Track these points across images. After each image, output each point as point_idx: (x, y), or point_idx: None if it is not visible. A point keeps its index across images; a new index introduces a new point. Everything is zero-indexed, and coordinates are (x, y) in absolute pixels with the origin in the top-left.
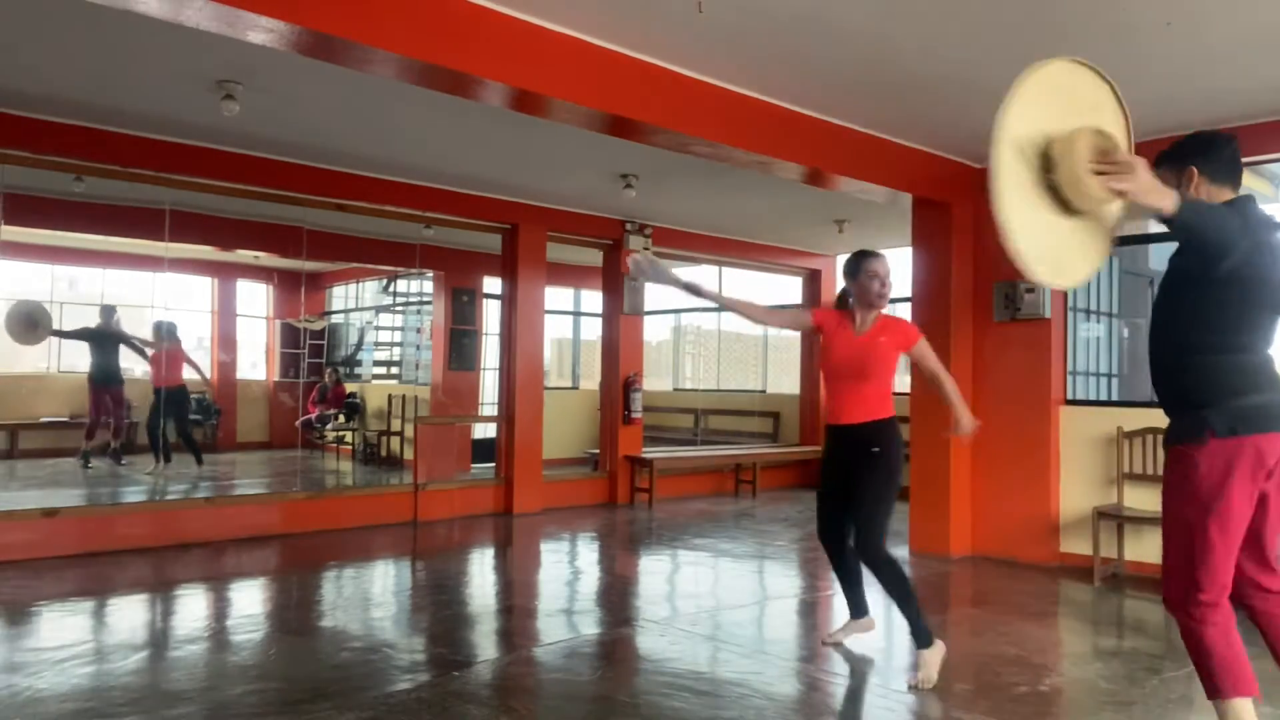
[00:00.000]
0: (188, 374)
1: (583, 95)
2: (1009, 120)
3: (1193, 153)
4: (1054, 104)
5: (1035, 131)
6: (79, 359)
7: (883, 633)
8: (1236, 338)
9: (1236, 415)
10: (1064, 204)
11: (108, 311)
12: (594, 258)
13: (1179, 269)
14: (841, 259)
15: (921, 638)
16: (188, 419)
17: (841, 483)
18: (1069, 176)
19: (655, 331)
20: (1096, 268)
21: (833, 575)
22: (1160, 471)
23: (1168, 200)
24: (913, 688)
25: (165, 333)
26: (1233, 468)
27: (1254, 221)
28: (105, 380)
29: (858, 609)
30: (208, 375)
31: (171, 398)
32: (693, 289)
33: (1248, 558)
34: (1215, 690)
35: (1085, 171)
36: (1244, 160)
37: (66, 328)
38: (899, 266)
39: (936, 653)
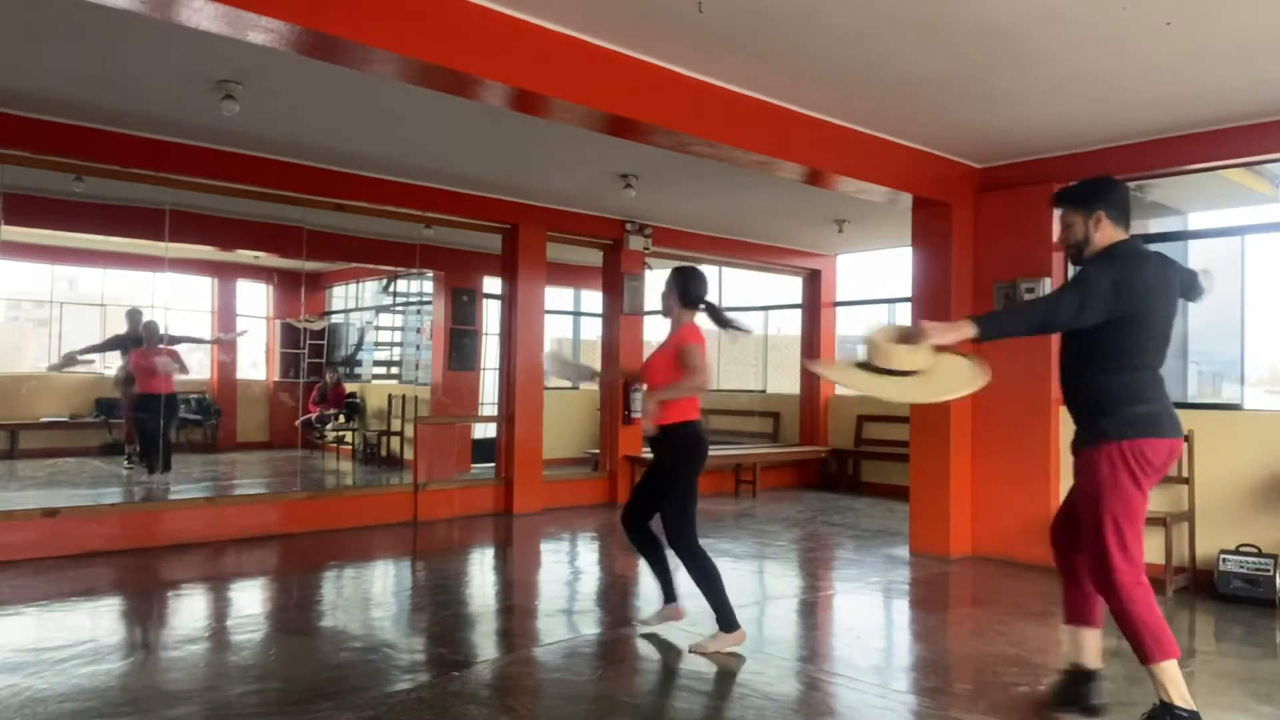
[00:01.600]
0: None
1: (583, 95)
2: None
3: (1099, 198)
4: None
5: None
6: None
7: (883, 633)
8: (1127, 359)
9: (1126, 422)
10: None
11: (134, 316)
12: (594, 258)
13: None
14: (842, 259)
15: (725, 623)
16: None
17: (645, 480)
18: (892, 361)
19: (655, 331)
20: (975, 383)
21: (832, 575)
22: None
23: (968, 329)
24: (691, 649)
25: (152, 333)
26: (1126, 465)
27: (1139, 262)
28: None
29: (670, 595)
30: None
31: (169, 402)
32: (610, 377)
33: (1068, 529)
34: (1147, 656)
35: (895, 352)
36: (1243, 160)
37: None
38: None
39: (731, 639)
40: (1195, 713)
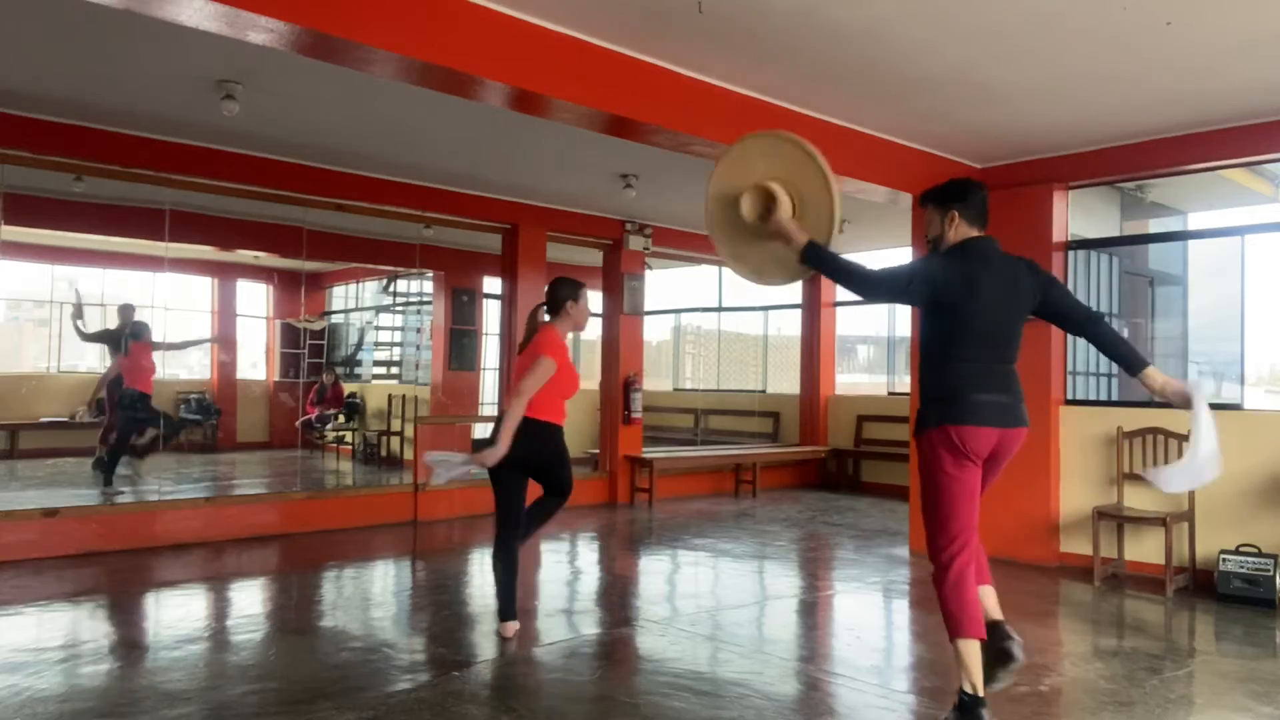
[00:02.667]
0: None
1: (583, 95)
2: (711, 182)
3: (954, 198)
4: (747, 167)
5: (729, 187)
6: (79, 359)
7: (883, 633)
8: (952, 350)
9: (945, 410)
10: (753, 233)
11: (127, 311)
12: (594, 258)
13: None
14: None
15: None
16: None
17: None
18: (749, 214)
19: (655, 331)
20: (791, 280)
21: (832, 575)
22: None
23: (801, 237)
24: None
25: (136, 330)
26: (947, 450)
27: (974, 258)
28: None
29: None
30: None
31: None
32: (483, 463)
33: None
34: (955, 631)
35: (752, 212)
36: (1243, 160)
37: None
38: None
39: (512, 627)
40: (978, 698)
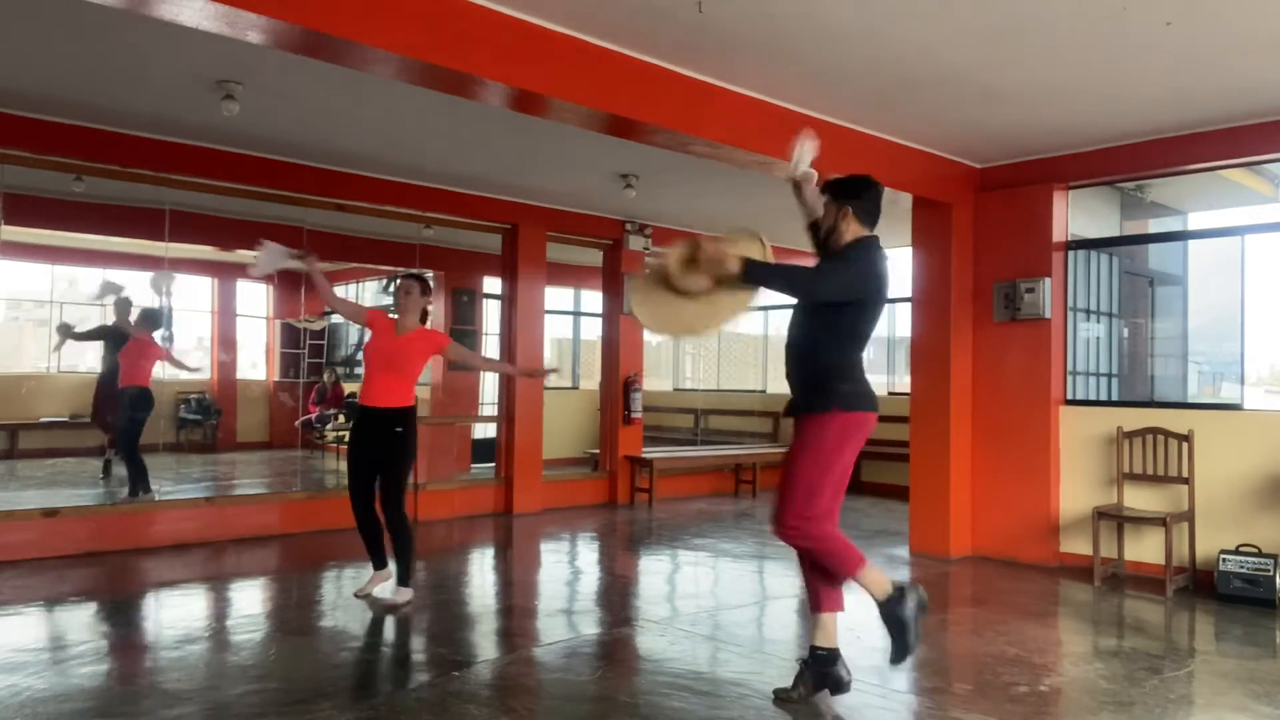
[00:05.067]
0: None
1: (583, 95)
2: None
3: (850, 195)
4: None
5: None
6: (79, 359)
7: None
8: (860, 342)
9: (856, 396)
10: (684, 292)
11: (123, 306)
12: (594, 258)
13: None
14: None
15: (402, 579)
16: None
17: (370, 455)
18: (675, 275)
19: None
20: (734, 318)
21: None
22: (1160, 471)
23: (735, 264)
24: (389, 609)
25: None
26: (847, 433)
27: (876, 256)
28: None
29: (381, 562)
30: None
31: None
32: (305, 261)
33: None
34: (846, 573)
35: (679, 271)
36: (1243, 160)
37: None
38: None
39: (406, 594)
40: (834, 651)
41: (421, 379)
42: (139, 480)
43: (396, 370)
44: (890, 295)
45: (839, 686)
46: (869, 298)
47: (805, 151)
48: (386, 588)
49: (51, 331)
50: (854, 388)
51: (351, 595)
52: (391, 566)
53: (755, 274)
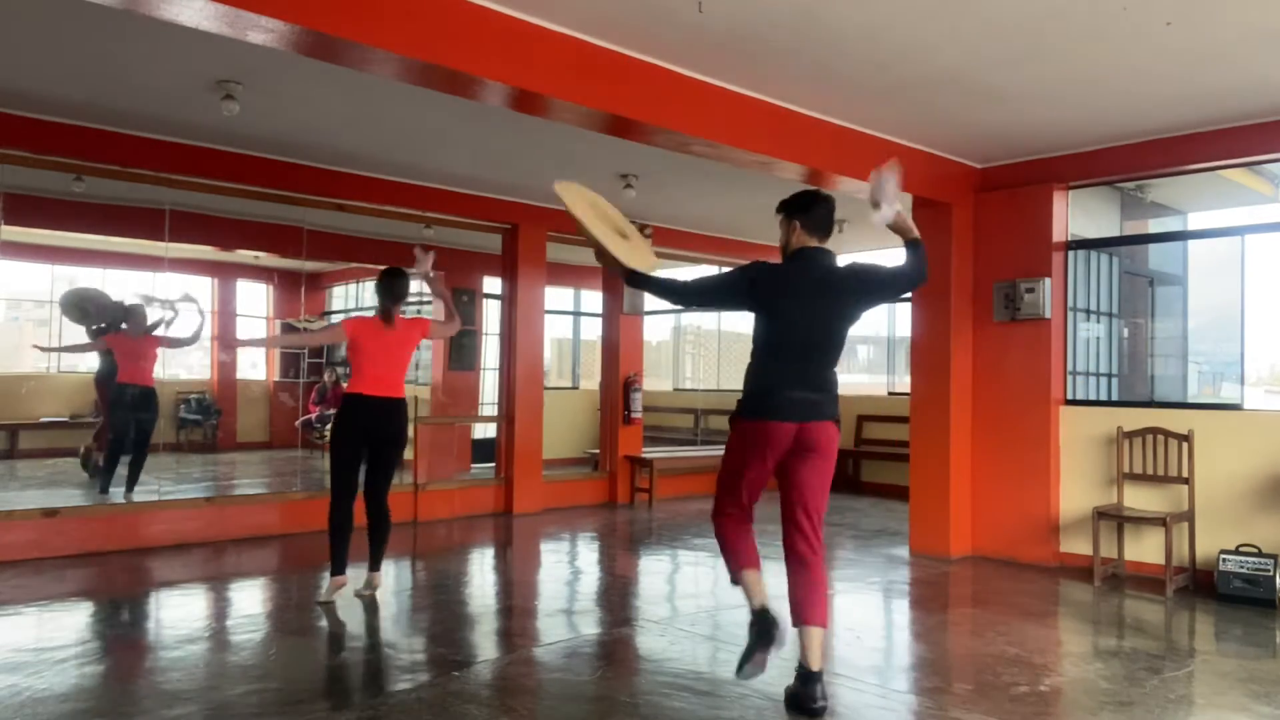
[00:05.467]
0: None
1: (583, 95)
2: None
3: (797, 210)
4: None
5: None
6: (79, 359)
7: (883, 633)
8: (761, 348)
9: (745, 402)
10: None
11: (115, 307)
12: (594, 258)
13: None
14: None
15: (375, 565)
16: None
17: (369, 443)
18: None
19: (655, 331)
20: (647, 268)
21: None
22: (1160, 471)
23: (632, 267)
24: (361, 593)
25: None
26: (743, 437)
27: (796, 264)
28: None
29: (342, 567)
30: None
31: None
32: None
33: (789, 517)
34: (733, 571)
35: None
36: (1243, 160)
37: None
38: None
39: (379, 579)
40: (763, 609)
41: (422, 379)
42: (106, 482)
43: (396, 361)
44: (806, 300)
45: (768, 635)
46: (756, 303)
47: (889, 185)
48: (352, 586)
49: (51, 334)
50: (745, 396)
51: (352, 595)
52: (349, 572)
53: (644, 281)
